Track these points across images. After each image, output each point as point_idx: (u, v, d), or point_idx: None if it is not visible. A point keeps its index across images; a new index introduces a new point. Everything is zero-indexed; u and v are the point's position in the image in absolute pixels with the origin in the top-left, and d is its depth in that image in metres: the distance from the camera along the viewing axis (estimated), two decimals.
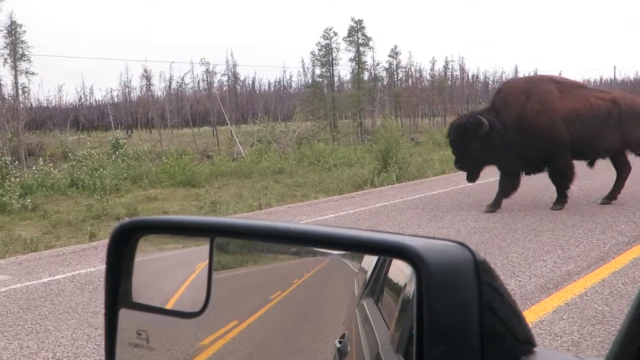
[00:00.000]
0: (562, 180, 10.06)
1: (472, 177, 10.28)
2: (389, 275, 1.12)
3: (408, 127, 45.41)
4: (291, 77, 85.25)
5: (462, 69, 65.30)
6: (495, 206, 9.98)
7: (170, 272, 1.28)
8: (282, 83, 69.68)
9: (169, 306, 1.18)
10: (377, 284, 1.19)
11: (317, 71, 50.69)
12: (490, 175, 10.83)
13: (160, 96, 55.78)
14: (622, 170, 10.57)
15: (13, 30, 37.95)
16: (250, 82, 70.69)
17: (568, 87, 10.35)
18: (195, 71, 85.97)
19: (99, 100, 64.54)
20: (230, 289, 1.23)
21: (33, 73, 40.97)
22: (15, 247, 9.13)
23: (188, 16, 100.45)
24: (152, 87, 53.63)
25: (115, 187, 15.11)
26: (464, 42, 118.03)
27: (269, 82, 76.29)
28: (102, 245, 8.93)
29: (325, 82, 47.30)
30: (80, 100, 62.12)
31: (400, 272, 1.04)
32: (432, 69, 60.63)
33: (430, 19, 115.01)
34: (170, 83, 58.32)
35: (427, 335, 0.80)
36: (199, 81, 60.99)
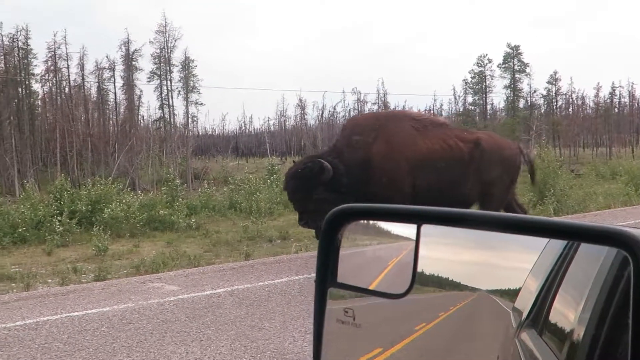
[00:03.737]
0: None
1: None
2: (554, 306, 1.10)
3: (568, 157, 42.64)
4: (441, 105, 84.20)
5: (631, 96, 60.19)
6: None
7: (369, 262, 1.37)
8: (432, 111, 69.11)
9: (373, 287, 1.25)
10: (540, 315, 1.16)
11: (469, 99, 49.70)
12: None
13: (313, 125, 58.18)
14: None
15: (186, 65, 42.00)
16: None
17: (426, 125, 8.76)
18: (347, 100, 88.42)
19: (257, 129, 68.75)
20: (375, 317, 1.27)
21: (201, 104, 45.01)
22: (181, 261, 9.96)
23: (342, 46, 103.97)
24: (305, 116, 56.22)
25: (269, 211, 15.91)
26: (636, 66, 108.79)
27: (419, 110, 76.02)
28: (257, 263, 9.46)
29: (478, 110, 46.24)
30: (240, 128, 66.71)
31: (572, 298, 1.03)
32: (597, 95, 56.60)
33: (596, 42, 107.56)
34: (322, 112, 60.58)
35: None
36: (350, 110, 62.66)
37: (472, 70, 46.56)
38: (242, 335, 5.63)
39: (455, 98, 59.63)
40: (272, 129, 64.86)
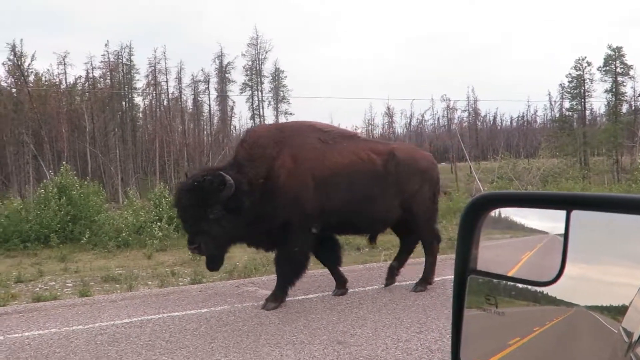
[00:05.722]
0: (292, 267, 7.32)
1: (215, 261, 7.19)
2: None
3: None
4: (536, 111, 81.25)
5: None
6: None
7: (503, 255, 1.34)
8: (525, 118, 66.79)
9: (516, 275, 1.22)
10: None
11: (566, 104, 47.55)
12: None
13: (401, 133, 57.81)
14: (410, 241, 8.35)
15: (276, 76, 43.14)
16: (492, 118, 69.28)
17: (334, 137, 7.75)
18: (436, 108, 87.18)
19: None
20: (468, 329, 1.24)
21: (291, 113, 45.98)
22: (272, 267, 10.15)
23: (430, 52, 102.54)
24: (393, 124, 55.95)
25: None
26: None
27: (511, 117, 73.64)
28: (346, 271, 9.39)
29: (576, 115, 44.07)
30: None
31: None
32: None
33: None
34: (410, 120, 60.16)
35: None
36: (438, 117, 61.88)
37: (570, 74, 44.44)
38: (335, 340, 5.67)
39: (550, 103, 57.36)
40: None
